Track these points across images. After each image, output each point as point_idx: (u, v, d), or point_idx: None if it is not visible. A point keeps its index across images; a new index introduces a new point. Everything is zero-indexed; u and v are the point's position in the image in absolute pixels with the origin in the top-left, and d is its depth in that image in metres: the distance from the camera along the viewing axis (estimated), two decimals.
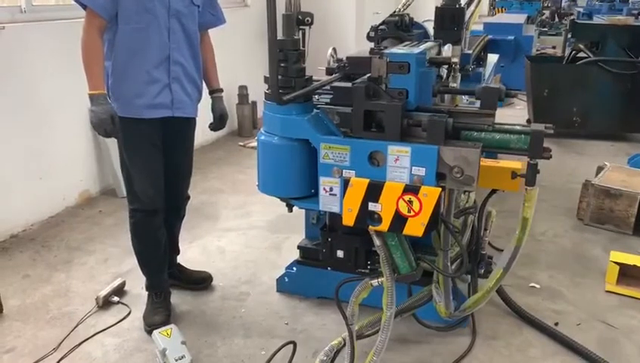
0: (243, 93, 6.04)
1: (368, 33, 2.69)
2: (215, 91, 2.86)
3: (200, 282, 3.08)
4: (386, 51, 1.97)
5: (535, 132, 1.83)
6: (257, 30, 6.36)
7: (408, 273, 2.08)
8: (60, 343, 2.60)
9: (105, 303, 2.89)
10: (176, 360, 2.33)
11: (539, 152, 1.83)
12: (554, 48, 11.65)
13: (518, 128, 1.91)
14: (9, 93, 3.63)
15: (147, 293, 2.83)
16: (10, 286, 3.09)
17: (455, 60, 2.19)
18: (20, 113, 3.72)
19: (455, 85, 2.37)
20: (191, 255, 3.42)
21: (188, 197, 2.97)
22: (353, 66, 1.97)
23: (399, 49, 2.09)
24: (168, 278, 2.89)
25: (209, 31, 2.80)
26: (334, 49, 2.45)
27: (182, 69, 2.55)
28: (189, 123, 2.75)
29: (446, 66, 2.37)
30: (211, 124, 2.86)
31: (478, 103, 2.01)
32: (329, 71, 2.35)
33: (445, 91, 2.31)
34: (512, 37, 7.55)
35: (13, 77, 3.66)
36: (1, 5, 3.79)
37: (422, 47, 2.16)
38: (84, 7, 2.34)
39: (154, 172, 2.63)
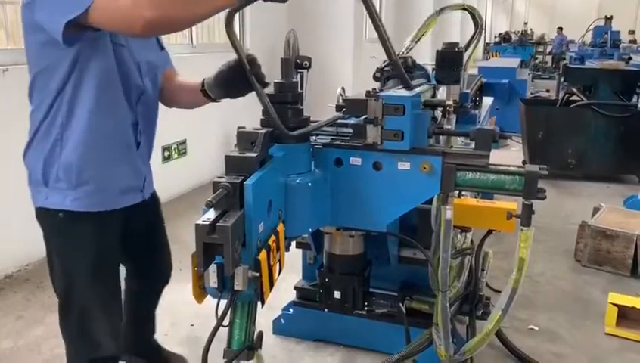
0: None
1: (374, 74, 2.77)
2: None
3: None
4: (382, 93, 2.02)
5: (530, 173, 1.86)
6: None
7: None
8: None
9: None
10: None
11: (534, 193, 1.85)
12: (547, 91, 11.88)
13: (513, 169, 1.94)
14: (11, 134, 3.66)
15: None
16: (3, 327, 3.05)
17: (450, 102, 2.24)
18: (19, 152, 3.74)
19: (449, 126, 2.41)
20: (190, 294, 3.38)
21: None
22: (351, 108, 2.01)
23: (394, 92, 2.14)
24: None
25: None
26: (343, 88, 2.52)
27: (148, 139, 2.02)
28: (156, 196, 2.22)
29: (441, 109, 2.42)
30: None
31: (473, 145, 2.05)
32: (338, 108, 2.41)
33: (440, 132, 2.35)
34: (506, 80, 7.70)
35: (15, 118, 3.70)
36: (5, 47, 3.87)
37: (417, 90, 2.21)
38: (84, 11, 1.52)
39: (120, 295, 2.02)
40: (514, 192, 1.91)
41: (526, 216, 1.89)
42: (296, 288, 2.97)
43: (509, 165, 1.98)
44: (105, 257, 1.89)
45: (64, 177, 1.78)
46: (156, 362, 2.58)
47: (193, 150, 5.59)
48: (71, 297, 1.90)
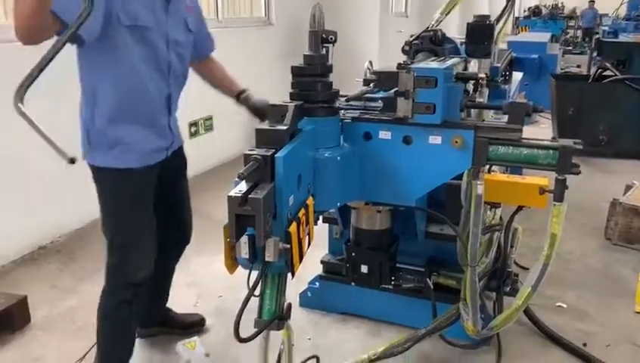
0: None
1: (403, 47, 2.74)
2: (244, 91, 2.46)
3: (189, 327, 2.81)
4: (414, 65, 1.99)
5: (564, 147, 1.82)
6: (282, 48, 6.45)
7: None
8: (85, 355, 2.60)
9: None
10: None
11: (568, 167, 1.82)
12: (578, 66, 11.58)
13: (547, 143, 1.90)
14: (42, 103, 3.72)
15: None
16: (38, 295, 3.14)
17: (482, 75, 2.20)
18: (51, 123, 3.80)
19: (481, 100, 2.37)
20: (217, 266, 3.43)
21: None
22: (382, 80, 1.99)
23: (426, 64, 2.11)
24: None
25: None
26: (371, 62, 2.50)
27: (175, 107, 2.29)
28: (182, 149, 2.46)
29: (473, 82, 2.38)
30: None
31: (504, 119, 2.01)
32: (366, 82, 2.39)
33: (472, 105, 2.31)
34: (536, 55, 7.52)
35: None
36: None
37: (449, 62, 2.17)
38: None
39: (154, 228, 2.29)
40: (547, 167, 1.88)
41: (559, 192, 1.86)
42: (322, 262, 2.98)
43: (542, 140, 1.95)
44: (146, 201, 2.21)
45: (104, 141, 2.09)
46: (172, 326, 2.78)
47: (219, 126, 5.62)
48: (118, 233, 2.20)
